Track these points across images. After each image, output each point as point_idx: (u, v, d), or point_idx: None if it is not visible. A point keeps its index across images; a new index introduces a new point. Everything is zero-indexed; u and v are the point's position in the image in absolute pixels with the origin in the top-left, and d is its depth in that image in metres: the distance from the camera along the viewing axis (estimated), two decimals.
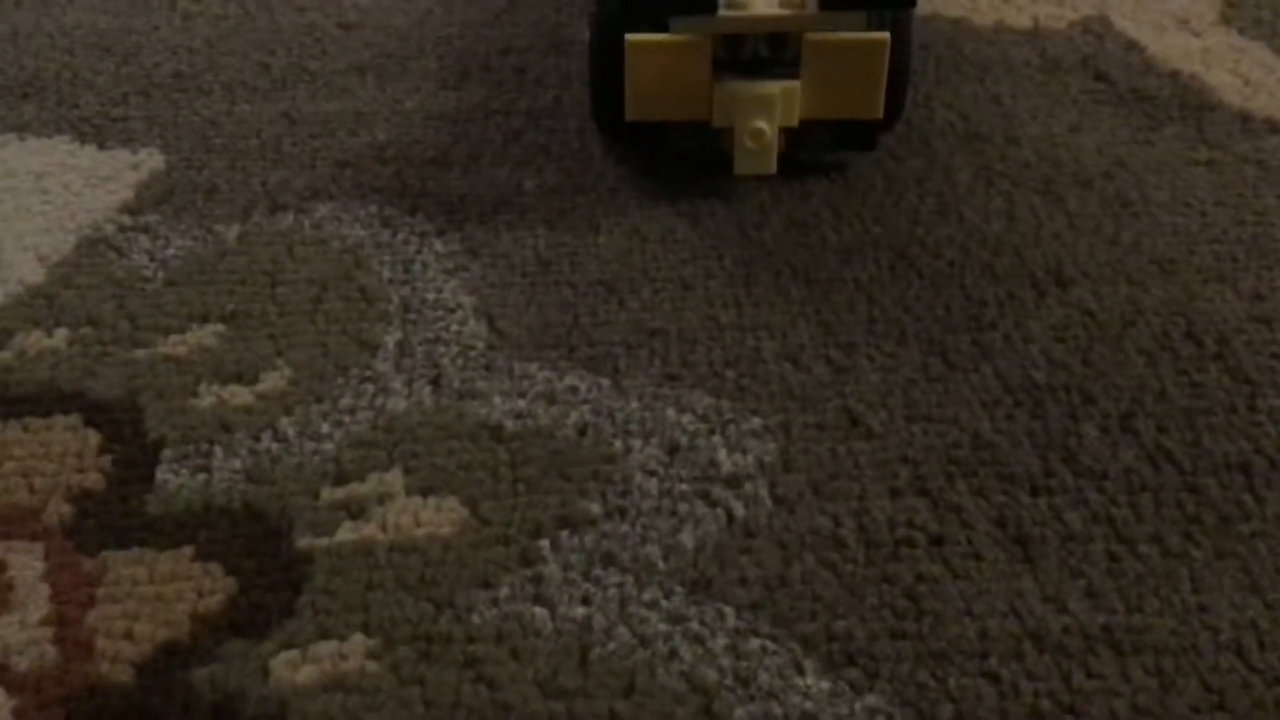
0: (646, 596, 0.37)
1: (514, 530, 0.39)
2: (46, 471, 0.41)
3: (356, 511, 0.40)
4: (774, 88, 0.51)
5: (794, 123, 0.52)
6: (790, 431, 0.43)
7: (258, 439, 0.42)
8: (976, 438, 0.42)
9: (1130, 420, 0.43)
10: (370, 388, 0.44)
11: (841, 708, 0.34)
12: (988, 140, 0.57)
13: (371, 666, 0.35)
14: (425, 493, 0.41)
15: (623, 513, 0.40)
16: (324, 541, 0.39)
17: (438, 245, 0.51)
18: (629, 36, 0.51)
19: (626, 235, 0.52)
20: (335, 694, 0.35)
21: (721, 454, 0.42)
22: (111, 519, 0.40)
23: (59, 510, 0.40)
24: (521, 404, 0.44)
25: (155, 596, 0.37)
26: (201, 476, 0.41)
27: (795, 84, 0.51)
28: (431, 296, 0.49)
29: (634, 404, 0.44)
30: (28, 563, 0.38)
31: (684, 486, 0.41)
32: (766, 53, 0.52)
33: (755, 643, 0.36)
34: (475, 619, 0.37)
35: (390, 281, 0.49)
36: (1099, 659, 0.36)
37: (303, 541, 0.39)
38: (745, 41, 0.52)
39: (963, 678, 0.35)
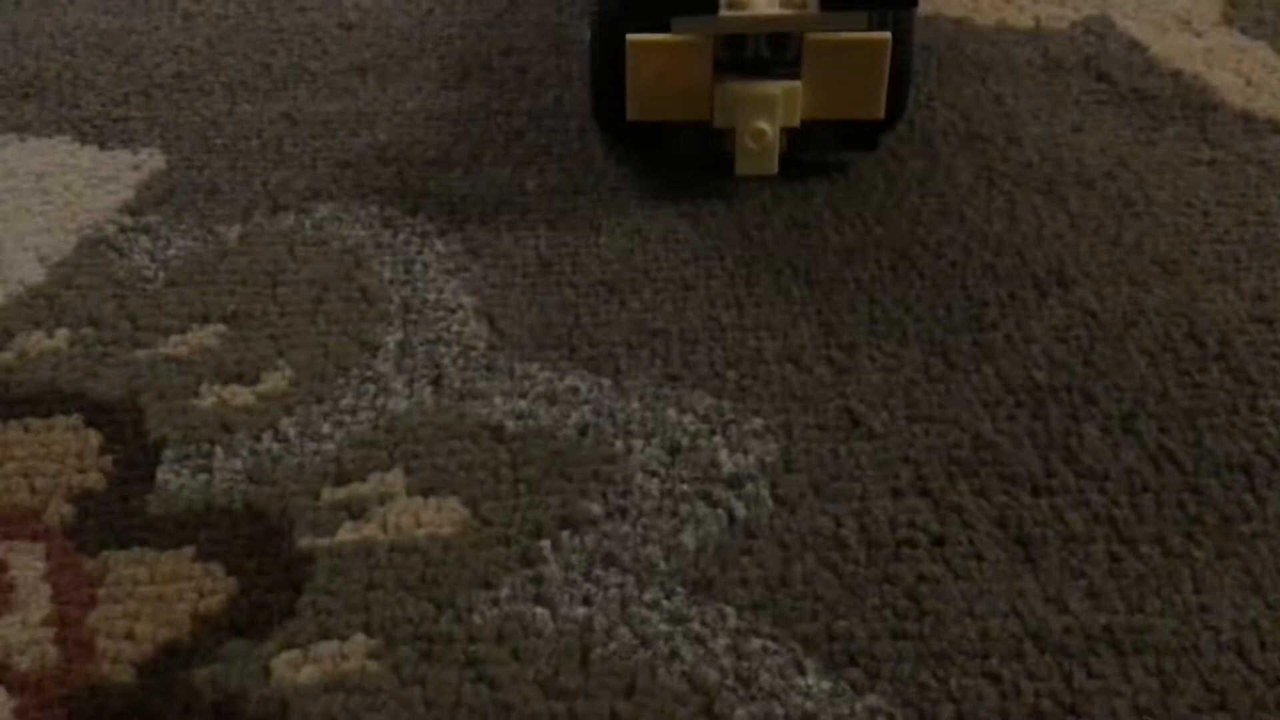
0: (648, 597, 0.37)
1: (515, 530, 0.39)
2: (48, 472, 0.41)
3: (357, 512, 0.40)
4: (775, 88, 0.51)
5: (795, 123, 0.52)
6: (791, 432, 0.43)
7: (259, 439, 0.42)
8: (978, 438, 0.42)
9: (1132, 421, 0.43)
10: (371, 388, 0.44)
11: (842, 708, 0.34)
12: (989, 140, 0.57)
13: (372, 666, 0.35)
14: (426, 493, 0.41)
15: (624, 513, 0.40)
16: (325, 541, 0.39)
17: (439, 245, 0.51)
18: (630, 36, 0.51)
19: (628, 235, 0.52)
20: (336, 694, 0.35)
21: (723, 454, 0.42)
22: (112, 519, 0.40)
23: (60, 510, 0.40)
24: (522, 404, 0.44)
25: (156, 597, 0.37)
26: (202, 477, 0.41)
27: (797, 84, 0.51)
28: (432, 297, 0.49)
29: (635, 404, 0.44)
30: (29, 563, 0.38)
31: (685, 487, 0.41)
32: (768, 53, 0.52)
33: (756, 643, 0.36)
34: (476, 619, 0.37)
35: (391, 282, 0.49)
36: (1100, 659, 0.36)
37: (304, 541, 0.39)
38: (746, 41, 0.52)
39: (964, 678, 0.35)
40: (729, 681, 0.35)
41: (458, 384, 0.45)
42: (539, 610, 0.37)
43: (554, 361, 0.46)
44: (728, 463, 0.41)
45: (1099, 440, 0.42)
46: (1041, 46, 0.64)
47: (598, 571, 0.38)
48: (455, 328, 0.47)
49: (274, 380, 0.45)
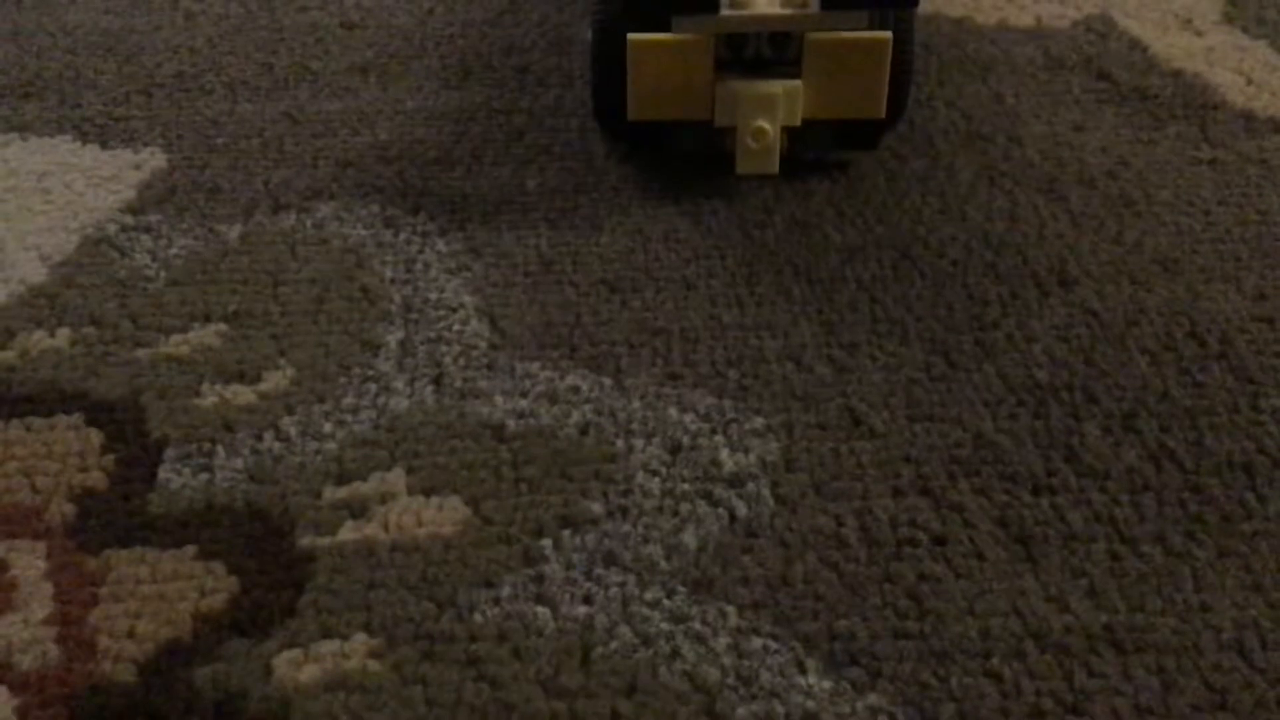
0: (648, 596, 0.37)
1: (516, 529, 0.39)
2: (49, 471, 0.41)
3: (358, 511, 0.40)
4: (776, 87, 0.51)
5: (796, 122, 0.52)
6: (793, 431, 0.43)
7: (260, 438, 0.42)
8: (979, 437, 0.42)
9: (1133, 420, 0.43)
10: (372, 387, 0.44)
11: (843, 707, 0.34)
12: (990, 140, 0.57)
13: (373, 666, 0.35)
14: (427, 492, 0.41)
15: (625, 512, 0.40)
16: (326, 541, 0.39)
17: (440, 245, 0.51)
18: (631, 36, 0.51)
19: (629, 235, 0.52)
20: (337, 693, 0.35)
21: (724, 453, 0.42)
22: (114, 518, 0.40)
23: (61, 510, 0.40)
24: (524, 403, 0.44)
25: (158, 596, 0.37)
26: (204, 476, 0.41)
27: (797, 83, 0.51)
28: (434, 296, 0.49)
29: (636, 403, 0.44)
30: (30, 562, 0.38)
31: (686, 486, 0.41)
32: (769, 52, 0.52)
33: (757, 642, 0.36)
34: (477, 618, 0.37)
35: (392, 281, 0.49)
36: (1101, 658, 0.36)
37: (305, 541, 0.39)
38: (747, 41, 0.52)
39: (965, 677, 0.35)
40: (730, 680, 0.35)
41: (459, 383, 0.45)
42: (540, 609, 0.37)
43: (555, 361, 0.46)
44: (729, 462, 0.41)
45: (1100, 439, 0.42)
46: (1042, 45, 0.64)
47: (599, 570, 0.38)
48: (456, 327, 0.47)
49: (275, 379, 0.45)
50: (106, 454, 0.42)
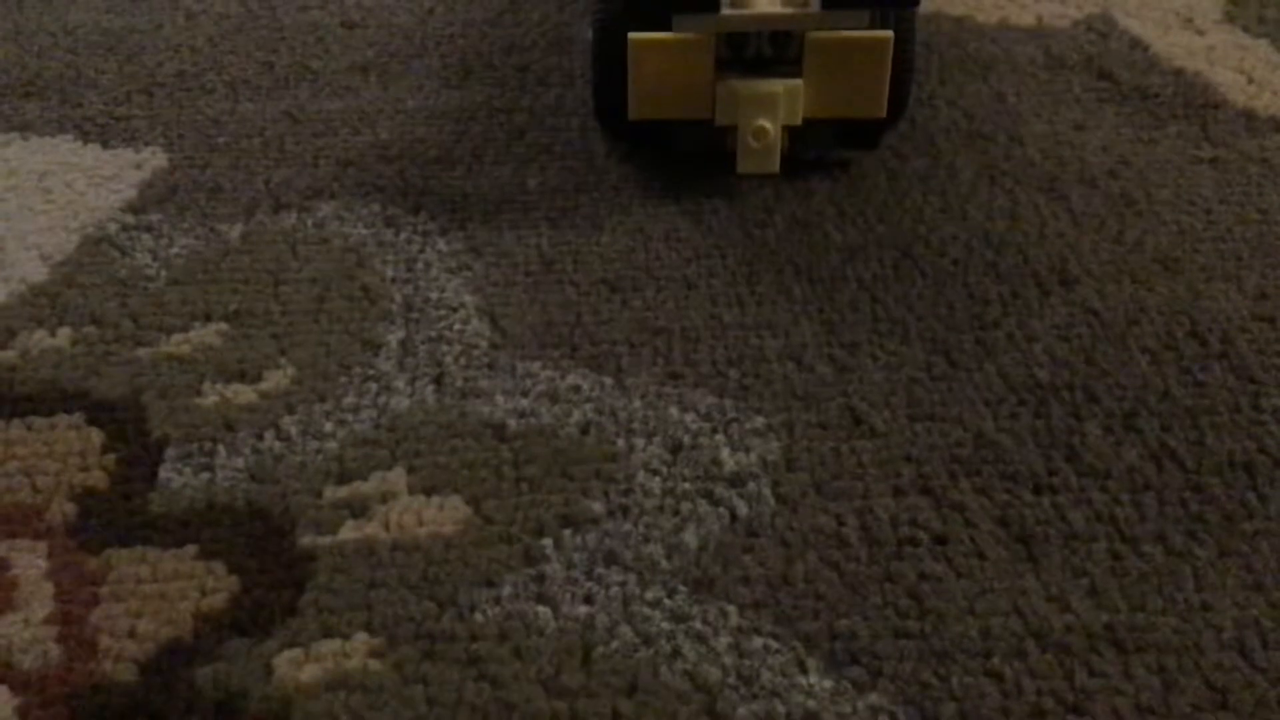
0: (649, 595, 0.37)
1: (517, 529, 0.39)
2: (50, 470, 0.41)
3: (359, 510, 0.40)
4: (777, 86, 0.51)
5: (797, 121, 0.52)
6: (793, 430, 0.43)
7: (261, 438, 0.42)
8: (980, 437, 0.42)
9: (1134, 419, 0.43)
10: (373, 387, 0.44)
11: (844, 706, 0.34)
12: (991, 139, 0.57)
13: (374, 665, 0.35)
14: (428, 491, 0.41)
15: (625, 511, 0.40)
16: (327, 540, 0.39)
17: (440, 244, 0.51)
18: (632, 35, 0.51)
19: (630, 234, 0.52)
20: (338, 692, 0.35)
21: (724, 453, 0.42)
22: (115, 518, 0.40)
23: (62, 509, 0.40)
24: (524, 403, 0.44)
25: (158, 595, 0.37)
26: (205, 475, 0.41)
27: (798, 82, 0.51)
28: (434, 295, 0.49)
29: (637, 403, 0.44)
30: (31, 561, 0.38)
31: (687, 485, 0.41)
32: (769, 51, 0.52)
33: (758, 641, 0.36)
34: (478, 618, 0.37)
35: (393, 280, 0.49)
36: (1102, 658, 0.36)
37: (306, 540, 0.39)
38: (748, 40, 0.52)
39: (966, 676, 0.35)
40: (731, 680, 0.35)
41: (460, 382, 0.45)
42: (541, 609, 0.37)
43: (556, 360, 0.46)
44: (729, 461, 0.41)
45: (1101, 439, 0.42)
46: (1043, 44, 0.64)
47: (599, 570, 0.38)
48: (457, 326, 0.47)
49: (276, 379, 0.45)
50: (107, 453, 0.42)
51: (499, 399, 0.44)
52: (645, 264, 0.50)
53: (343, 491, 0.41)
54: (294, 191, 0.54)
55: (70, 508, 0.40)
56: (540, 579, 0.38)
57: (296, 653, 0.36)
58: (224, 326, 0.47)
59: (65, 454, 0.42)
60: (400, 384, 0.45)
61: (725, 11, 0.50)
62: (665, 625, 0.36)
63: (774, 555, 0.39)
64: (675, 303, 0.48)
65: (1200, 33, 0.66)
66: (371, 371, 0.45)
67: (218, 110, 0.60)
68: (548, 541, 0.39)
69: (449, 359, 0.46)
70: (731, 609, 0.37)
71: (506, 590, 0.37)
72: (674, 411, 0.43)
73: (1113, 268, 0.50)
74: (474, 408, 0.44)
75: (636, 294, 0.49)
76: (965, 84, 0.61)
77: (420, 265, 0.50)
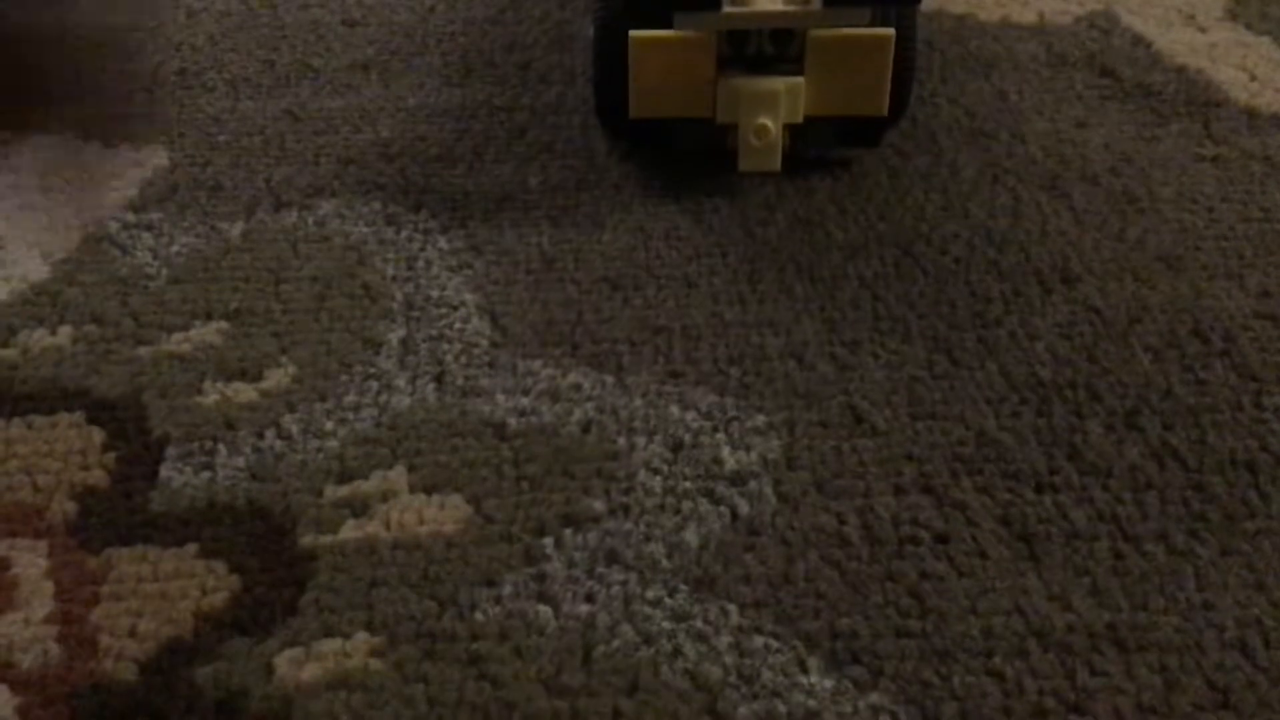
0: (650, 594, 0.37)
1: (517, 528, 0.39)
2: (50, 469, 0.41)
3: (360, 509, 0.40)
4: (778, 84, 0.51)
5: (798, 119, 0.52)
6: (794, 429, 0.43)
7: (261, 436, 0.42)
8: (981, 435, 0.42)
9: (1136, 417, 0.43)
10: (374, 385, 0.44)
11: (845, 706, 0.34)
12: (993, 136, 0.57)
13: (375, 664, 0.35)
14: (429, 490, 0.41)
15: (626, 510, 0.40)
16: (327, 539, 0.39)
17: (441, 242, 0.51)
18: (633, 33, 0.51)
19: (630, 232, 0.52)
20: (339, 692, 0.35)
21: (725, 451, 0.42)
22: (115, 516, 0.40)
23: (63, 508, 0.40)
24: (525, 401, 0.44)
25: (159, 594, 0.37)
26: (205, 474, 0.41)
27: (800, 80, 0.51)
28: (435, 294, 0.49)
29: (638, 401, 0.44)
30: (32, 560, 0.38)
31: (688, 484, 0.41)
32: (771, 49, 0.52)
33: (759, 640, 0.36)
34: (479, 617, 0.37)
35: (394, 279, 0.49)
36: (1104, 657, 0.36)
37: (306, 539, 0.39)
38: (749, 38, 0.52)
39: (967, 675, 0.35)
40: (732, 679, 0.35)
41: (460, 381, 0.45)
42: (541, 608, 0.37)
43: (557, 358, 0.46)
44: (730, 460, 0.41)
45: (1103, 437, 0.42)
46: (1045, 42, 0.64)
47: (600, 569, 0.38)
48: (458, 325, 0.47)
49: (277, 377, 0.45)
50: (108, 452, 0.42)
51: (500, 397, 0.44)
52: (646, 262, 0.50)
53: (343, 490, 0.41)
54: (295, 189, 0.54)
55: (71, 506, 0.40)
56: (541, 578, 0.38)
57: (297, 652, 0.36)
58: (225, 325, 0.47)
59: (66, 453, 0.42)
60: (401, 382, 0.44)
61: (726, 9, 0.50)
62: (666, 624, 0.36)
63: (775, 554, 0.38)
64: (676, 301, 0.48)
65: (1202, 30, 0.65)
66: (372, 370, 0.45)
67: (218, 108, 0.60)
68: (548, 540, 0.39)
69: (450, 357, 0.46)
70: (732, 608, 0.37)
71: (507, 589, 0.37)
72: (675, 410, 0.43)
73: (1115, 266, 0.50)
74: (475, 406, 0.44)
75: (637, 292, 0.49)
76: (967, 82, 0.61)
77: (421, 263, 0.50)
